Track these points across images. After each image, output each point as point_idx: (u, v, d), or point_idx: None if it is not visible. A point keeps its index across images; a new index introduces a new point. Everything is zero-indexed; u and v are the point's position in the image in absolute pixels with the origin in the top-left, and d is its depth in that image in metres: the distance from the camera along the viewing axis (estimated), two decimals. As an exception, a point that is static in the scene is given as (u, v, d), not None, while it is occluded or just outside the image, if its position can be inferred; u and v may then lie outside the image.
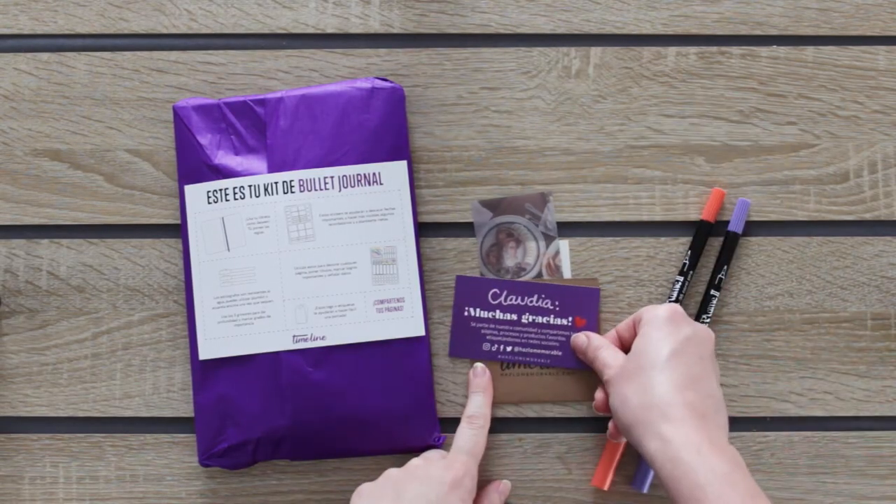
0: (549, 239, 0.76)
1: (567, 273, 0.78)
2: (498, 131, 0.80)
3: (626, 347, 0.75)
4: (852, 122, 0.80)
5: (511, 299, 0.77)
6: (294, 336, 0.76)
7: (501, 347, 0.78)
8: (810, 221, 0.80)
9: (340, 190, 0.77)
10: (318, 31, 0.81)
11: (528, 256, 0.77)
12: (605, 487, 0.77)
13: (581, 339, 0.76)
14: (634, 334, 0.74)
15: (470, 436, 0.73)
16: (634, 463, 0.78)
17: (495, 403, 0.78)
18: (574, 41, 0.80)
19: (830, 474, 0.78)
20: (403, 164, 0.78)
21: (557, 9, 0.80)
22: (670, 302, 0.77)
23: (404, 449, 0.77)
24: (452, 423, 0.78)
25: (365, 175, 0.77)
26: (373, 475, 0.78)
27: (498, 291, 0.76)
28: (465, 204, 0.80)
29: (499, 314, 0.78)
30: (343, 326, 0.76)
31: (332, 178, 0.77)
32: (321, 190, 0.77)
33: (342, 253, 0.76)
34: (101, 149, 0.80)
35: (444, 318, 0.79)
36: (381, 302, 0.77)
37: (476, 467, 0.72)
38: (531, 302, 0.77)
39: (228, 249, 0.77)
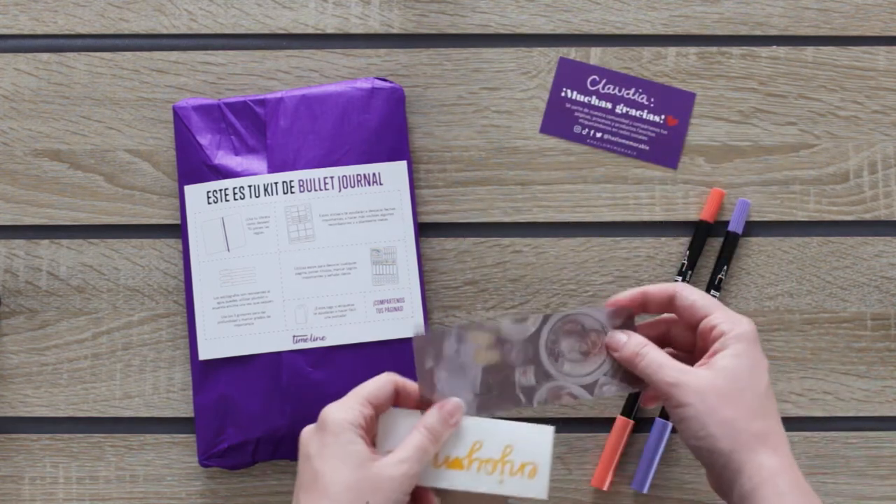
0: (588, 388, 0.68)
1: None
2: (498, 131, 0.80)
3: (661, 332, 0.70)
4: (852, 122, 0.80)
5: (609, 88, 0.77)
6: (294, 336, 0.76)
7: (592, 132, 0.77)
8: (810, 222, 0.80)
9: (340, 190, 0.77)
10: (318, 31, 0.81)
11: (581, 365, 0.68)
12: (605, 488, 0.77)
13: (619, 337, 0.67)
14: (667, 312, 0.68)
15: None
16: (634, 463, 0.78)
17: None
18: (574, 41, 0.80)
19: (830, 474, 0.78)
20: (403, 164, 0.78)
21: (557, 9, 0.80)
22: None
23: (404, 449, 0.77)
24: (452, 424, 0.78)
25: (365, 175, 0.77)
26: (373, 475, 0.78)
27: (597, 78, 0.76)
28: (465, 204, 0.80)
29: (594, 100, 0.77)
30: (343, 327, 0.76)
31: (332, 178, 0.77)
32: (321, 190, 0.77)
33: (342, 253, 0.76)
34: (101, 149, 0.80)
35: (444, 318, 0.79)
36: (381, 302, 0.77)
37: None
38: (628, 94, 0.77)
39: (228, 249, 0.77)
